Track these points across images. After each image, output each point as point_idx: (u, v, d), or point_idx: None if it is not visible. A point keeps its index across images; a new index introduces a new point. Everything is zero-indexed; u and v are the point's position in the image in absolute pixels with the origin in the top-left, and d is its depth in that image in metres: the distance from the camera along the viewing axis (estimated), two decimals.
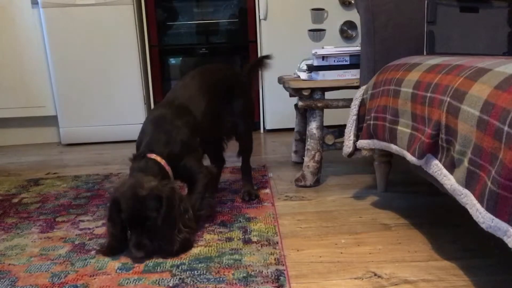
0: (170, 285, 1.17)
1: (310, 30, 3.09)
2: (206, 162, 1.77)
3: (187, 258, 1.31)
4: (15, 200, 1.94)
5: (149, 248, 1.31)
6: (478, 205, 0.89)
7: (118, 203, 1.32)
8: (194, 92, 1.62)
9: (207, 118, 1.61)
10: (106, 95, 3.05)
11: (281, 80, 2.21)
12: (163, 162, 1.44)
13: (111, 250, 1.36)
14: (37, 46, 3.03)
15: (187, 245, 1.36)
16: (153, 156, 1.44)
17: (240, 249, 1.36)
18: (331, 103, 1.96)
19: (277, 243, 1.39)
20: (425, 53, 1.68)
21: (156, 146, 1.46)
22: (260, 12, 3.07)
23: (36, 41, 3.02)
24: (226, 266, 1.26)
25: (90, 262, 1.32)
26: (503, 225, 0.82)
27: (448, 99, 1.06)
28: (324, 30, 3.10)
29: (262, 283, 1.15)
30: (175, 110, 1.54)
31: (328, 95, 2.00)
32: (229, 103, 1.74)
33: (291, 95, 2.26)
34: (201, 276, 1.21)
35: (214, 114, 1.66)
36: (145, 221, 1.30)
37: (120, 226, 1.35)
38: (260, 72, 2.06)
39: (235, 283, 1.16)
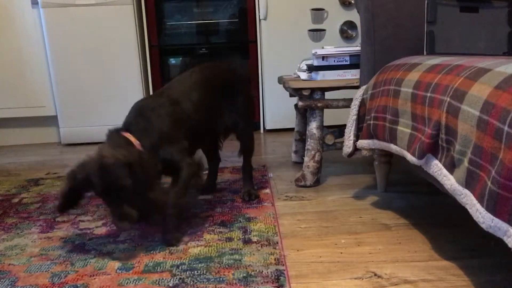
0: (170, 285, 1.17)
1: (310, 30, 3.09)
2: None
3: (187, 258, 1.31)
4: (15, 200, 1.94)
5: (132, 216, 1.30)
6: (478, 205, 0.89)
7: (76, 174, 1.32)
8: (188, 86, 1.61)
9: (199, 113, 1.58)
10: (106, 95, 3.05)
11: (281, 80, 2.21)
12: (136, 142, 1.41)
13: (61, 208, 1.40)
14: (37, 46, 3.02)
15: (163, 207, 1.38)
16: (127, 134, 1.42)
17: (240, 249, 1.36)
18: (331, 103, 1.96)
19: (277, 243, 1.39)
20: (425, 53, 1.68)
21: (133, 127, 1.44)
22: (260, 12, 3.07)
23: (36, 41, 3.02)
24: (226, 266, 1.26)
25: (90, 262, 1.32)
26: (503, 225, 0.82)
27: (448, 99, 1.06)
28: (324, 30, 3.10)
29: (262, 283, 1.15)
30: (161, 101, 1.53)
31: (328, 95, 2.00)
32: (228, 101, 1.71)
33: (291, 95, 2.26)
34: (201, 276, 1.21)
35: (208, 110, 1.63)
36: (119, 191, 1.28)
37: (72, 188, 1.35)
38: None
39: (235, 283, 1.16)
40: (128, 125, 1.46)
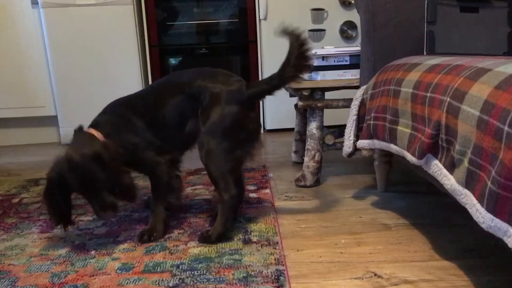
0: (170, 285, 1.17)
1: (310, 30, 3.09)
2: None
3: (187, 258, 1.31)
4: (15, 200, 1.94)
5: (114, 204, 1.35)
6: (478, 205, 0.89)
7: (56, 180, 1.33)
8: (163, 90, 1.52)
9: (165, 120, 1.48)
10: (106, 95, 3.02)
11: None
12: (99, 135, 1.41)
13: (59, 223, 1.41)
14: (37, 46, 3.03)
15: (135, 191, 1.42)
16: (90, 130, 1.43)
17: (240, 249, 1.36)
18: (331, 103, 1.96)
19: (277, 243, 1.39)
20: (425, 53, 1.68)
21: (100, 124, 1.45)
22: (260, 12, 3.07)
23: (36, 41, 3.02)
24: (226, 266, 1.26)
25: (90, 262, 1.32)
26: (503, 225, 0.82)
27: (448, 99, 1.06)
28: (324, 30, 3.10)
29: (262, 283, 1.15)
30: (126, 98, 1.53)
31: (328, 95, 2.00)
32: (197, 112, 1.45)
33: (291, 95, 2.26)
34: (201, 276, 1.21)
35: (175, 119, 1.48)
36: (95, 183, 1.31)
37: (63, 200, 1.37)
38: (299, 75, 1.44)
39: (235, 283, 1.16)
40: (94, 122, 1.48)
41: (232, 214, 1.47)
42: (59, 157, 1.35)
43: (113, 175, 1.34)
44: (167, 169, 1.49)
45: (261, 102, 3.24)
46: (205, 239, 1.42)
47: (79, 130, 1.45)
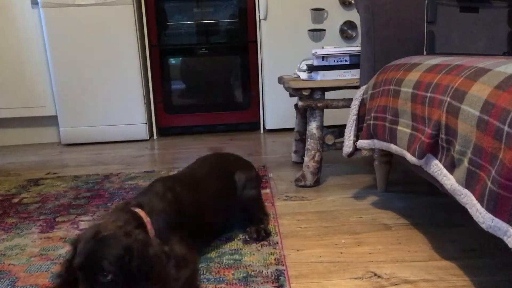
0: None
1: (310, 30, 3.09)
2: None
3: None
4: (15, 200, 1.94)
5: None
6: (478, 205, 0.89)
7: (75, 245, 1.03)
8: (206, 175, 1.43)
9: (212, 205, 1.37)
10: (106, 95, 3.05)
11: (281, 80, 2.21)
12: (147, 220, 1.15)
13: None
14: (37, 46, 3.03)
15: None
16: (138, 210, 1.17)
17: (240, 249, 1.36)
18: (331, 103, 1.96)
19: (277, 243, 1.39)
20: (425, 53, 1.68)
21: (147, 204, 1.20)
22: (260, 12, 3.07)
23: (36, 41, 3.02)
24: (226, 266, 1.26)
25: None
26: (503, 225, 0.82)
27: (448, 99, 1.06)
28: (324, 30, 3.10)
29: (262, 283, 1.15)
30: (181, 182, 1.33)
31: (328, 95, 2.00)
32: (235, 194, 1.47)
33: (291, 95, 2.26)
34: (201, 276, 1.20)
35: (219, 203, 1.41)
36: (98, 273, 0.96)
37: (69, 269, 1.04)
38: None
39: (235, 283, 1.16)
40: (140, 200, 1.22)
41: None
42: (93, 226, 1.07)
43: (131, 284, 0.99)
44: (192, 266, 1.17)
45: (261, 102, 3.24)
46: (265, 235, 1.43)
47: (123, 205, 1.20)
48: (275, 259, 1.28)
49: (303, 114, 2.25)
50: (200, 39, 3.19)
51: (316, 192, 1.89)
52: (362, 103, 1.65)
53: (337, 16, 3.08)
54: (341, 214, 1.63)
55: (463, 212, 1.02)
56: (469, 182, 0.95)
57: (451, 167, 1.04)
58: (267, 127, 3.26)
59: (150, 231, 1.14)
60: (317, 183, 1.97)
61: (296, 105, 2.30)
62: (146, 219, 1.15)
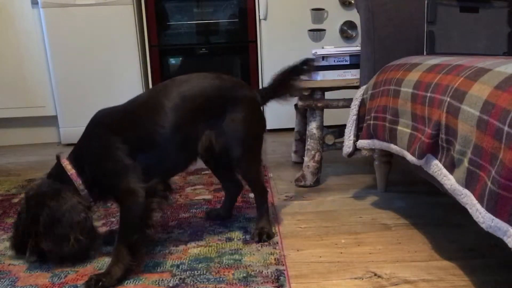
0: (170, 285, 1.17)
1: (310, 30, 3.09)
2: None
3: (187, 258, 1.31)
4: (15, 200, 1.93)
5: (45, 253, 1.26)
6: (478, 205, 0.89)
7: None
8: (161, 101, 1.30)
9: (173, 135, 1.29)
10: (106, 95, 3.05)
11: None
12: (72, 172, 1.28)
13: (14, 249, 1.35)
14: (37, 46, 3.03)
15: (82, 256, 1.29)
16: (65, 162, 1.30)
17: (240, 249, 1.36)
18: (331, 103, 1.96)
19: (277, 243, 1.39)
20: (425, 53, 1.68)
21: (76, 149, 1.33)
22: (260, 12, 3.07)
23: (36, 41, 3.02)
24: (226, 266, 1.26)
25: (90, 262, 1.32)
26: (503, 225, 0.82)
27: (448, 99, 1.06)
28: (324, 30, 3.10)
29: (262, 283, 1.15)
30: (119, 116, 1.32)
31: (328, 95, 2.00)
32: (214, 121, 1.34)
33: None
34: (201, 276, 1.21)
35: (184, 131, 1.31)
36: (36, 223, 1.23)
37: (20, 227, 1.30)
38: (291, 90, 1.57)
39: (235, 283, 1.16)
40: (73, 150, 1.33)
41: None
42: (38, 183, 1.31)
43: (52, 228, 1.23)
44: (144, 200, 1.22)
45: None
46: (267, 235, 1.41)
47: (57, 159, 1.33)
48: (275, 259, 1.28)
49: (303, 114, 2.25)
50: (200, 39, 3.19)
51: (316, 192, 1.89)
52: (362, 103, 1.65)
53: (337, 16, 3.08)
54: (341, 214, 1.63)
55: (463, 212, 1.02)
56: (469, 182, 0.95)
57: (451, 167, 1.04)
58: (267, 127, 3.25)
59: (76, 182, 1.27)
60: (317, 183, 1.97)
61: (296, 105, 2.30)
62: (71, 171, 1.27)
